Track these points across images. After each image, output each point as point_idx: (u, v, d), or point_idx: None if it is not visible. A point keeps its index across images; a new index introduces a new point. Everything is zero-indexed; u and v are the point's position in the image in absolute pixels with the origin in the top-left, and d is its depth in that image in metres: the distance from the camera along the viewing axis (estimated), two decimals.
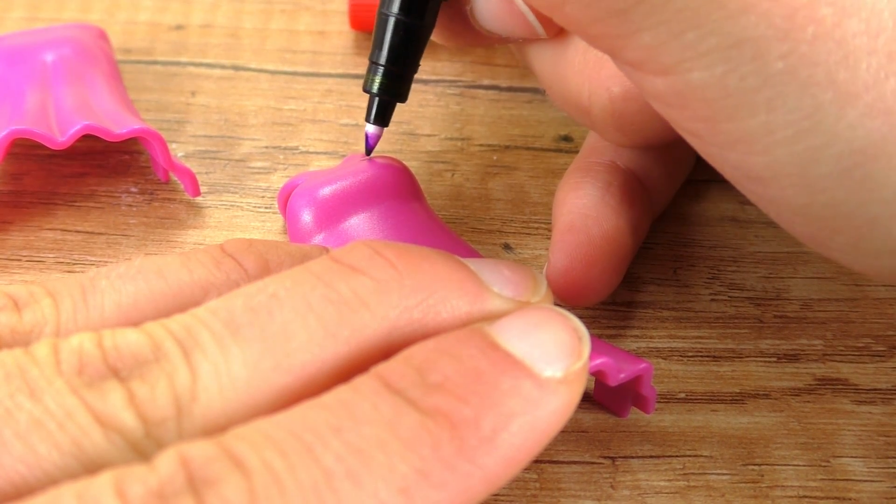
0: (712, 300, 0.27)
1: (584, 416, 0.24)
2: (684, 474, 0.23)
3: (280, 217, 0.29)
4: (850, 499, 0.23)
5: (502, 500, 0.23)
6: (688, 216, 0.30)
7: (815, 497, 0.23)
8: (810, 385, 0.25)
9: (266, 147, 0.31)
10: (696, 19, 0.17)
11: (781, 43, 0.17)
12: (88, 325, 0.17)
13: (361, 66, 0.34)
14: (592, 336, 0.19)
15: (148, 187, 0.30)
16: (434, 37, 0.25)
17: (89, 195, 0.29)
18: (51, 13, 0.36)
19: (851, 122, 0.17)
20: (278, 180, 0.30)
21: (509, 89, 0.34)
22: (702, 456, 0.24)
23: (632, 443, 0.24)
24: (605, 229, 0.25)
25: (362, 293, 0.17)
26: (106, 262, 0.28)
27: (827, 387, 0.25)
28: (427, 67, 0.34)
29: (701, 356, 0.26)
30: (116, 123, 0.28)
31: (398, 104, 0.26)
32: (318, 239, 0.26)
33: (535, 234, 0.29)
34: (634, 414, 0.24)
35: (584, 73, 0.24)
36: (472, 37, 0.25)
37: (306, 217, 0.26)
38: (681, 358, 0.26)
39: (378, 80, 0.24)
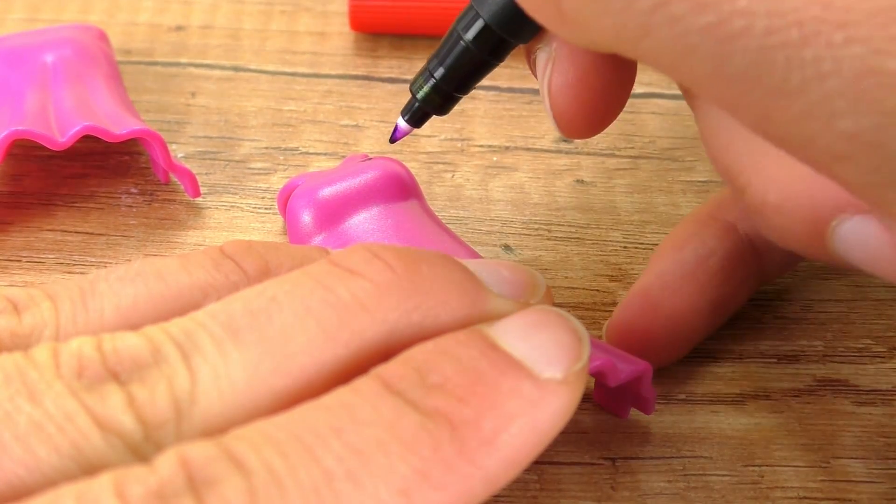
0: None
1: (584, 418, 0.24)
2: (684, 475, 0.23)
3: (280, 218, 0.29)
4: (850, 500, 0.23)
5: (503, 501, 0.23)
6: None
7: (815, 498, 0.23)
8: (810, 386, 0.25)
9: (266, 148, 0.31)
10: None
11: None
12: (88, 328, 0.17)
13: (361, 67, 0.34)
14: (592, 337, 0.19)
15: (148, 188, 0.30)
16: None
17: (89, 196, 0.29)
18: (51, 14, 0.36)
19: None
20: (278, 181, 0.30)
21: (509, 90, 0.34)
22: (702, 457, 0.24)
23: (632, 444, 0.24)
24: (678, 307, 0.24)
25: (361, 296, 0.17)
26: (106, 262, 0.28)
27: (827, 388, 0.25)
28: None
29: (701, 357, 0.26)
30: (116, 124, 0.28)
31: None
32: (318, 240, 0.26)
33: (535, 235, 0.29)
34: (634, 415, 0.24)
35: (751, 158, 0.22)
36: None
37: (306, 218, 0.26)
38: (681, 359, 0.26)
39: (426, 90, 0.23)
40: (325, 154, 0.31)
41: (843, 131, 0.15)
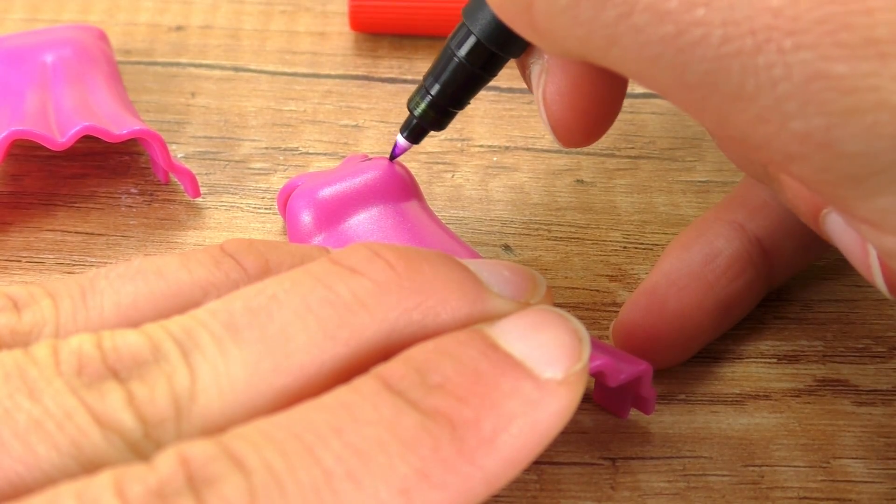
0: None
1: (584, 418, 0.24)
2: (684, 475, 0.23)
3: (280, 218, 0.29)
4: (850, 500, 0.23)
5: (503, 501, 0.23)
6: (689, 218, 0.29)
7: (815, 498, 0.23)
8: (810, 386, 0.25)
9: (266, 148, 0.31)
10: None
11: None
12: (88, 325, 0.17)
13: (361, 67, 0.34)
14: (592, 337, 0.19)
15: (148, 188, 0.30)
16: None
17: (89, 196, 0.29)
18: (51, 14, 0.36)
19: None
20: (278, 181, 0.30)
21: (509, 90, 0.34)
22: (702, 457, 0.24)
23: (632, 444, 0.24)
24: (685, 306, 0.24)
25: (362, 295, 0.17)
26: (106, 263, 0.28)
27: (827, 388, 0.25)
28: (427, 68, 0.34)
29: (701, 357, 0.26)
30: (116, 124, 0.28)
31: None
32: (318, 240, 0.26)
33: (535, 235, 0.29)
34: (634, 415, 0.24)
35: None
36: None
37: (306, 218, 0.26)
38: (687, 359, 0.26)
39: (423, 106, 0.24)
40: (325, 154, 0.31)
41: (796, 132, 0.16)
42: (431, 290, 0.18)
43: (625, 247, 0.29)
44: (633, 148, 0.32)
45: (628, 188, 0.30)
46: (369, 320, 0.17)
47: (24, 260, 0.28)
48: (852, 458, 0.24)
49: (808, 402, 0.25)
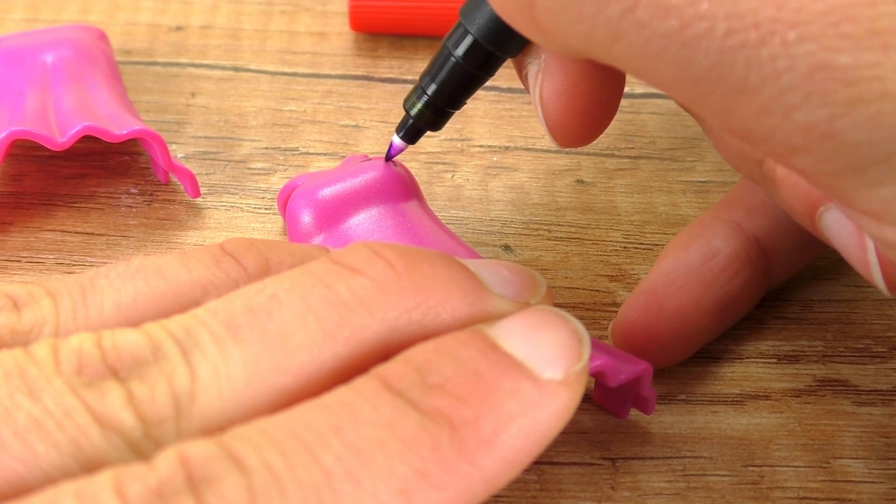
0: None
1: (584, 418, 0.24)
2: (684, 475, 0.23)
3: (280, 218, 0.29)
4: (850, 500, 0.23)
5: (503, 501, 0.23)
6: (689, 218, 0.29)
7: (815, 498, 0.23)
8: (810, 386, 0.25)
9: (266, 148, 0.31)
10: None
11: None
12: (88, 324, 0.17)
13: (361, 67, 0.34)
14: (592, 338, 0.19)
15: (148, 188, 0.30)
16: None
17: (89, 196, 0.29)
18: (51, 14, 0.36)
19: None
20: (278, 181, 0.30)
21: (509, 90, 0.34)
22: (702, 457, 0.24)
23: (632, 444, 0.24)
24: (683, 305, 0.24)
25: (361, 294, 0.17)
26: (106, 263, 0.27)
27: (827, 388, 0.25)
28: None
29: (701, 357, 0.26)
30: (116, 124, 0.28)
31: None
32: (318, 240, 0.26)
33: (535, 235, 0.29)
34: (634, 415, 0.24)
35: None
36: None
37: (306, 218, 0.26)
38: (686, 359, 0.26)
39: (419, 106, 0.24)
40: (325, 154, 0.31)
41: (799, 123, 0.16)
42: (431, 289, 0.18)
43: (625, 247, 0.29)
44: (633, 148, 0.32)
45: (628, 188, 0.30)
46: (369, 320, 0.17)
47: (24, 260, 0.28)
48: (852, 458, 0.24)
49: (808, 402, 0.25)
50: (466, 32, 0.22)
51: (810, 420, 0.24)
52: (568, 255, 0.28)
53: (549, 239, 0.29)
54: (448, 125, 0.31)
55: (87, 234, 0.28)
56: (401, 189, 0.26)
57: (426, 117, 0.24)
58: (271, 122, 0.32)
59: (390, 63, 0.35)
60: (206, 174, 0.30)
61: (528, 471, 0.23)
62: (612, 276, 0.28)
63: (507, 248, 0.28)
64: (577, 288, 0.27)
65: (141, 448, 0.15)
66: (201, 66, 0.34)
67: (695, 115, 0.23)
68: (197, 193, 0.29)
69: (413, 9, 0.34)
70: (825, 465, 0.24)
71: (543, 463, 0.23)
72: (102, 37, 0.32)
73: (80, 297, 0.18)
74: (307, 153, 0.31)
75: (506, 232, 0.29)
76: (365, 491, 0.15)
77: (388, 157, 0.26)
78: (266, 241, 0.20)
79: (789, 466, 0.24)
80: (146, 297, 0.18)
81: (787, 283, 0.28)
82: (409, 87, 0.33)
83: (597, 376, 0.22)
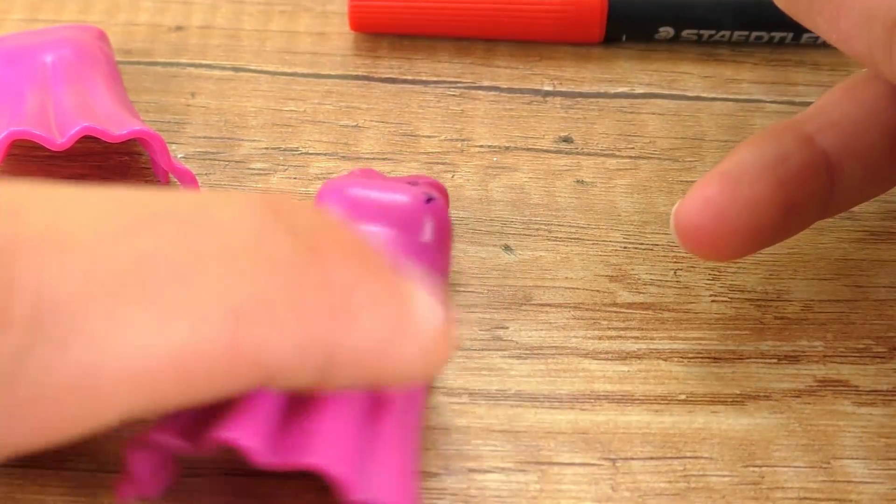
0: (713, 301, 0.27)
1: (584, 418, 0.24)
2: (685, 476, 0.23)
3: None
4: (850, 500, 0.23)
5: (502, 501, 0.23)
6: None
7: (815, 499, 0.23)
8: (811, 386, 0.25)
9: (266, 148, 0.31)
10: None
11: None
12: None
13: (362, 68, 0.34)
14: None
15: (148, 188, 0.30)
16: None
17: None
18: (50, 14, 0.36)
19: None
20: (278, 181, 0.30)
21: (509, 90, 0.34)
22: (702, 457, 0.24)
23: (632, 444, 0.24)
24: (756, 192, 0.23)
25: None
26: None
27: (828, 388, 0.25)
28: (427, 68, 0.34)
29: (701, 357, 0.26)
30: (116, 124, 0.28)
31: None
32: None
33: (535, 236, 0.29)
34: (634, 415, 0.24)
35: None
36: None
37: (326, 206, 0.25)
38: (681, 359, 0.26)
39: None
40: (325, 154, 0.31)
41: None
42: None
43: (625, 247, 0.29)
44: (633, 148, 0.32)
45: (628, 188, 0.30)
46: None
47: None
48: (853, 458, 0.24)
49: (809, 403, 0.25)
50: None
51: (811, 420, 0.24)
52: (568, 255, 0.28)
53: (549, 239, 0.29)
54: (448, 125, 0.31)
55: None
56: (416, 224, 0.25)
57: None
58: (271, 122, 0.32)
59: (390, 63, 0.35)
60: (206, 174, 0.30)
61: (527, 471, 0.23)
62: (612, 276, 0.28)
63: (507, 248, 0.28)
64: (577, 288, 0.27)
65: None
66: (201, 66, 0.34)
67: None
68: None
69: (413, 9, 0.34)
70: (825, 465, 0.24)
71: (543, 463, 0.23)
72: (102, 37, 0.32)
73: None
74: (307, 153, 0.31)
75: (506, 232, 0.29)
76: (194, 292, 0.15)
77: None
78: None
79: (789, 467, 0.24)
80: None
81: (787, 283, 0.28)
82: (410, 87, 0.34)
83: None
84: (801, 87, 0.34)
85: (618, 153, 0.32)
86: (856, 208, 0.27)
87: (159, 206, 0.17)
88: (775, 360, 0.26)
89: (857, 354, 0.26)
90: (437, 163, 0.31)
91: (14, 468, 0.23)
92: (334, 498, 0.23)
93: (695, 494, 0.23)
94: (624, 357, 0.26)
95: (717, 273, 0.28)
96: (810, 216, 0.25)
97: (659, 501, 0.23)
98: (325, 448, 0.19)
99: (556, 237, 0.29)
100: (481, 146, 0.32)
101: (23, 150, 0.30)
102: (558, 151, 0.32)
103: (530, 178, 0.31)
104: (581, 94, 0.33)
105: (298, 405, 0.20)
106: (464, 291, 0.27)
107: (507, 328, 0.26)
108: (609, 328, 0.26)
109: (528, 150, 0.32)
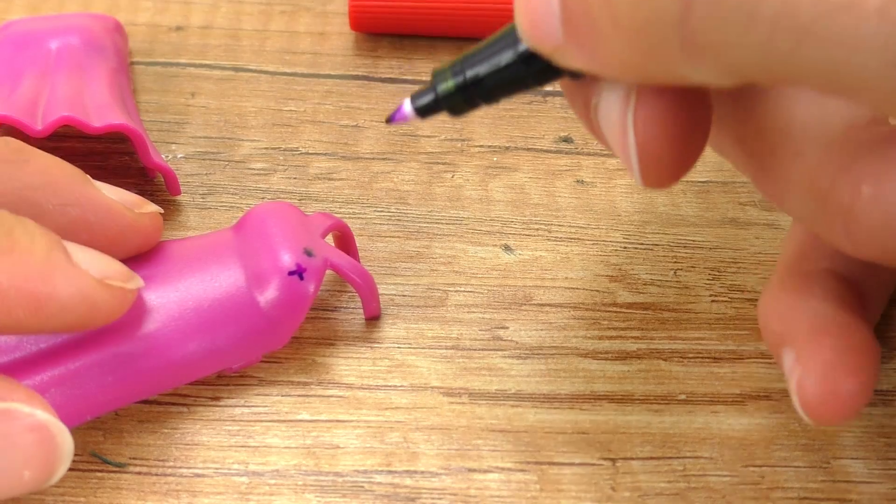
0: (713, 301, 0.27)
1: (584, 418, 0.24)
2: (685, 476, 0.23)
3: None
4: (850, 500, 0.23)
5: (503, 501, 0.23)
6: (688, 217, 0.29)
7: (815, 498, 0.23)
8: None
9: (266, 148, 0.31)
10: None
11: None
12: None
13: (362, 67, 0.34)
14: None
15: (147, 188, 0.30)
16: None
17: None
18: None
19: None
20: (278, 181, 0.30)
21: None
22: (702, 457, 0.24)
23: (632, 444, 0.24)
24: (857, 336, 0.21)
25: None
26: None
27: None
28: (427, 68, 0.34)
29: (701, 357, 0.26)
30: (100, 117, 0.28)
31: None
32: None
33: (535, 236, 0.29)
34: (634, 415, 0.24)
35: (830, 165, 0.18)
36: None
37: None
38: (681, 359, 0.26)
39: (450, 86, 0.20)
40: (325, 154, 0.31)
41: None
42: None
43: (625, 247, 0.29)
44: None
45: (628, 188, 0.30)
46: None
47: None
48: (852, 458, 0.24)
49: None
50: None
51: None
52: (568, 255, 0.28)
53: (549, 239, 0.29)
54: (448, 125, 0.31)
55: None
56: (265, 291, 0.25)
57: (453, 101, 0.20)
58: (271, 122, 0.32)
59: (390, 63, 0.35)
60: (206, 174, 0.30)
61: (528, 471, 0.23)
62: (612, 276, 0.28)
63: (507, 248, 0.28)
64: (577, 288, 0.27)
65: None
66: (201, 66, 0.34)
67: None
68: (177, 191, 0.29)
69: (413, 9, 0.34)
70: (825, 465, 0.24)
71: (543, 463, 0.23)
72: (117, 28, 0.33)
73: None
74: (307, 153, 0.31)
75: (506, 232, 0.29)
76: None
77: (390, 121, 0.22)
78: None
79: (789, 467, 0.24)
80: None
81: None
82: (410, 87, 0.34)
83: None
84: None
85: None
86: None
87: None
88: (775, 360, 0.26)
89: None
90: (437, 163, 0.31)
91: None
92: (334, 497, 0.23)
93: (695, 494, 0.23)
94: (624, 357, 0.26)
95: (717, 273, 0.28)
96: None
97: (659, 501, 0.23)
98: None
99: (556, 237, 0.29)
100: (481, 146, 0.32)
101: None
102: (558, 151, 0.32)
103: (530, 178, 0.31)
104: None
105: None
106: (464, 291, 0.27)
107: (507, 328, 0.26)
108: (609, 328, 0.26)
109: (528, 150, 0.32)
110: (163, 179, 0.29)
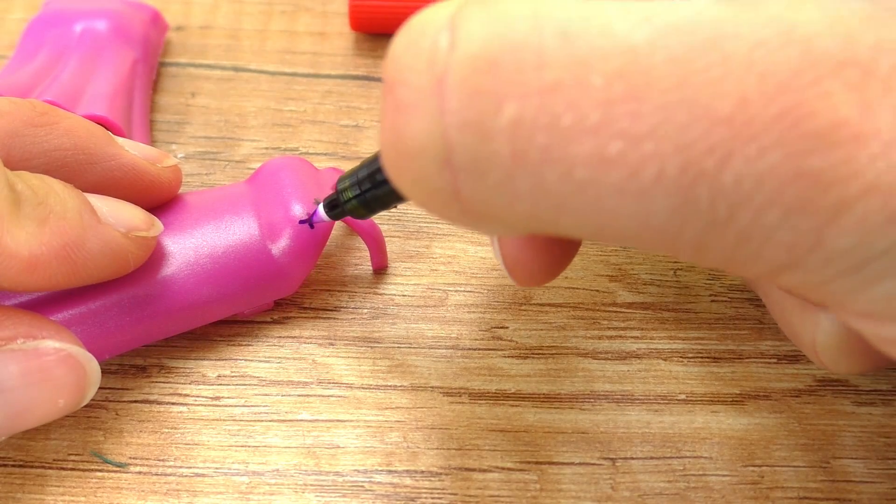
0: (712, 301, 0.27)
1: (584, 418, 0.24)
2: (684, 475, 0.23)
3: None
4: (850, 500, 0.23)
5: (503, 501, 0.23)
6: None
7: (815, 498, 0.23)
8: (810, 386, 0.25)
9: (266, 148, 0.31)
10: None
11: None
12: None
13: (362, 67, 0.34)
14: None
15: None
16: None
17: None
18: None
19: None
20: None
21: None
22: (702, 457, 0.24)
23: (632, 444, 0.24)
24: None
25: None
26: None
27: (827, 388, 0.25)
28: None
29: (701, 357, 0.26)
30: (89, 106, 0.28)
31: None
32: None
33: None
34: (634, 415, 0.24)
35: (803, 309, 0.20)
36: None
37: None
38: (681, 359, 0.26)
39: (352, 200, 0.22)
40: (325, 154, 0.31)
41: (783, 243, 0.14)
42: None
43: (625, 247, 0.29)
44: None
45: None
46: None
47: None
48: (852, 458, 0.24)
49: (808, 402, 0.25)
50: None
51: (810, 420, 0.25)
52: None
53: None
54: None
55: None
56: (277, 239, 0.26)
57: (357, 212, 0.22)
58: (271, 122, 0.32)
59: None
60: (206, 174, 0.30)
61: (527, 471, 0.23)
62: (612, 276, 0.28)
63: None
64: (577, 288, 0.27)
65: None
66: (201, 66, 0.34)
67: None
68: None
69: (413, 9, 0.34)
70: (825, 465, 0.24)
71: (543, 463, 0.23)
72: (154, 19, 0.33)
73: None
74: (307, 153, 0.31)
75: None
76: None
77: (310, 222, 0.25)
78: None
79: (789, 466, 0.24)
80: None
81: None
82: None
83: None
84: None
85: None
86: None
87: None
88: (775, 360, 0.26)
89: None
90: None
91: (14, 468, 0.23)
92: (334, 497, 0.23)
93: (694, 494, 0.23)
94: (624, 357, 0.26)
95: (717, 273, 0.28)
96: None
97: (659, 501, 0.23)
98: None
99: None
100: None
101: None
102: None
103: None
104: None
105: None
106: (464, 291, 0.27)
107: (507, 328, 0.26)
108: (609, 328, 0.26)
109: None
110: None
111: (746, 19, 0.14)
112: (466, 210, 0.16)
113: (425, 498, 0.23)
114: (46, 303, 0.23)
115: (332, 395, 0.25)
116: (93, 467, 0.23)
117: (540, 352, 0.26)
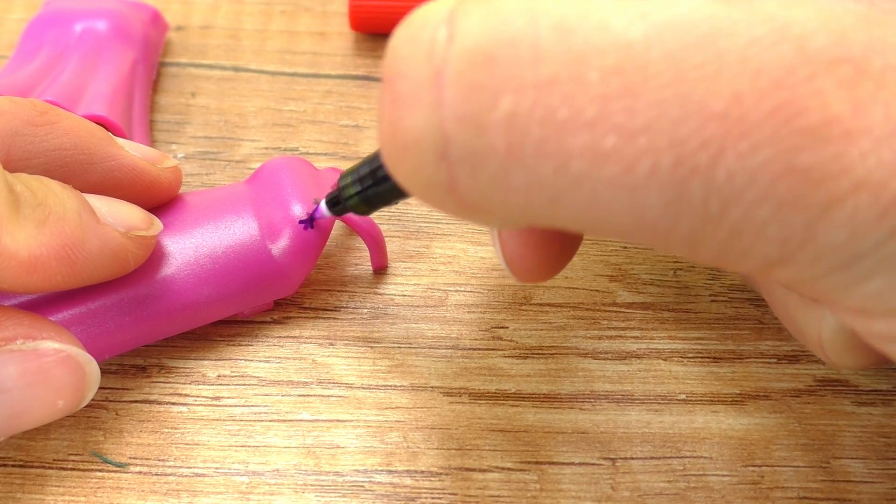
0: (712, 301, 0.27)
1: (584, 418, 0.24)
2: (684, 475, 0.23)
3: None
4: (850, 500, 0.23)
5: (503, 501, 0.23)
6: None
7: (815, 498, 0.23)
8: (811, 386, 0.25)
9: (266, 148, 0.31)
10: None
11: None
12: None
13: (362, 68, 0.34)
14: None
15: None
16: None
17: None
18: None
19: None
20: None
21: None
22: (702, 457, 0.24)
23: (632, 444, 0.24)
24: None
25: None
26: None
27: (827, 388, 0.25)
28: None
29: (701, 357, 0.26)
30: (89, 106, 0.28)
31: None
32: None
33: None
34: (634, 415, 0.24)
35: (802, 305, 0.21)
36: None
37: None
38: (681, 359, 0.26)
39: (354, 197, 0.22)
40: (325, 154, 0.31)
41: (775, 237, 0.15)
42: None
43: (625, 247, 0.29)
44: None
45: None
46: None
47: None
48: (852, 458, 0.24)
49: (808, 402, 0.25)
50: None
51: (810, 420, 0.25)
52: None
53: None
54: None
55: None
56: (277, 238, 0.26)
57: (359, 208, 0.22)
58: (271, 122, 0.32)
59: None
60: (206, 174, 0.30)
61: (527, 471, 0.23)
62: (612, 276, 0.28)
63: None
64: (577, 288, 0.27)
65: None
66: (201, 66, 0.34)
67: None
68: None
69: (413, 9, 0.34)
70: (825, 465, 0.24)
71: (543, 463, 0.23)
72: (154, 19, 0.33)
73: None
74: (307, 153, 0.31)
75: None
76: None
77: (311, 221, 0.25)
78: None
79: (789, 466, 0.24)
80: None
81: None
82: None
83: None
84: None
85: None
86: None
87: None
88: (775, 360, 0.26)
89: None
90: None
91: (14, 468, 0.23)
92: (334, 497, 0.23)
93: (694, 494, 0.23)
94: (624, 357, 0.26)
95: (717, 273, 0.28)
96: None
97: (659, 501, 0.23)
98: None
99: None
100: None
101: None
102: None
103: None
104: None
105: None
106: (464, 291, 0.27)
107: (507, 328, 0.26)
108: (609, 328, 0.26)
109: None
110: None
111: (741, 17, 0.14)
112: (462, 202, 0.16)
113: (425, 498, 0.23)
114: (46, 303, 0.23)
115: (332, 395, 0.25)
116: (93, 467, 0.23)
117: (540, 352, 0.26)
